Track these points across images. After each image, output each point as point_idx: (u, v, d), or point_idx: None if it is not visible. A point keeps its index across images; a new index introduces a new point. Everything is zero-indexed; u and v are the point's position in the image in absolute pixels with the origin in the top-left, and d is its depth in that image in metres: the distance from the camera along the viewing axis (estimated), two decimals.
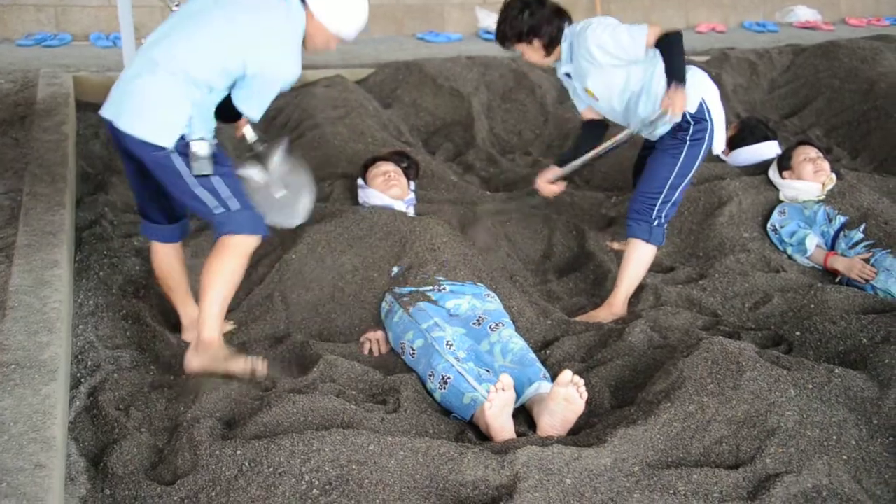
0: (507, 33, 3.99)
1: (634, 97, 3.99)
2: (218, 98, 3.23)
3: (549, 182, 4.32)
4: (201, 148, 3.09)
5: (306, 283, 3.92)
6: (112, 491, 2.65)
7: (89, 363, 3.30)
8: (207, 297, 3.22)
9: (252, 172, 3.51)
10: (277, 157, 3.55)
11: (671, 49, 3.81)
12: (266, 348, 3.63)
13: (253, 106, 3.26)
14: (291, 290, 3.91)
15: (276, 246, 4.08)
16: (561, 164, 4.30)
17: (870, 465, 2.72)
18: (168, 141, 3.08)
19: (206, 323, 3.22)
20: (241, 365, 3.24)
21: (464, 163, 5.89)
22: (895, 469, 2.73)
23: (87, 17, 7.72)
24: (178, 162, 3.11)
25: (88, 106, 5.61)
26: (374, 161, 4.64)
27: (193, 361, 3.26)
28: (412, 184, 4.64)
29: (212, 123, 3.24)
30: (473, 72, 6.77)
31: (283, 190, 3.53)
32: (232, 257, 3.22)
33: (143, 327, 3.61)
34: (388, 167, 4.53)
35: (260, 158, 3.53)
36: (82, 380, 3.19)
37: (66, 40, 7.49)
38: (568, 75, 4.10)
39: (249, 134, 3.53)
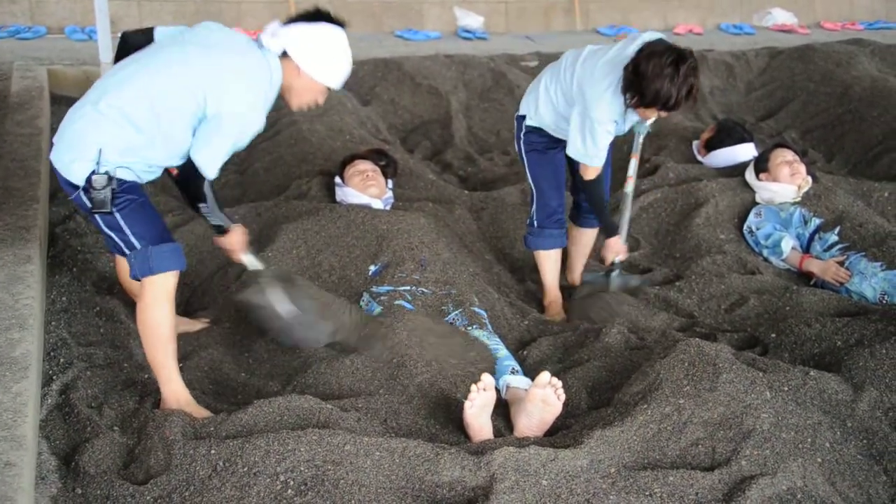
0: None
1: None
2: (167, 148, 2.99)
3: (618, 251, 4.12)
4: (98, 181, 2.88)
5: None
6: (84, 490, 2.62)
7: (62, 360, 3.26)
8: (149, 355, 3.09)
9: (254, 297, 3.42)
10: (279, 286, 3.41)
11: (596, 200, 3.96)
12: (241, 347, 3.61)
13: (205, 154, 2.96)
14: None
15: (252, 244, 4.05)
16: (609, 231, 4.09)
17: (843, 467, 2.74)
18: (79, 177, 2.92)
19: (160, 381, 3.09)
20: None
21: (442, 161, 5.88)
22: (868, 472, 2.75)
23: (61, 9, 7.63)
24: (85, 199, 2.95)
25: (63, 99, 5.54)
26: (352, 159, 4.62)
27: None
28: (390, 182, 4.63)
29: (146, 173, 3.05)
30: (452, 70, 6.76)
31: (290, 308, 3.39)
32: (152, 304, 3.02)
33: (117, 324, 3.57)
34: (366, 166, 4.51)
35: (263, 284, 3.41)
36: (54, 377, 3.15)
37: (40, 33, 7.39)
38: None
39: (250, 262, 3.40)
